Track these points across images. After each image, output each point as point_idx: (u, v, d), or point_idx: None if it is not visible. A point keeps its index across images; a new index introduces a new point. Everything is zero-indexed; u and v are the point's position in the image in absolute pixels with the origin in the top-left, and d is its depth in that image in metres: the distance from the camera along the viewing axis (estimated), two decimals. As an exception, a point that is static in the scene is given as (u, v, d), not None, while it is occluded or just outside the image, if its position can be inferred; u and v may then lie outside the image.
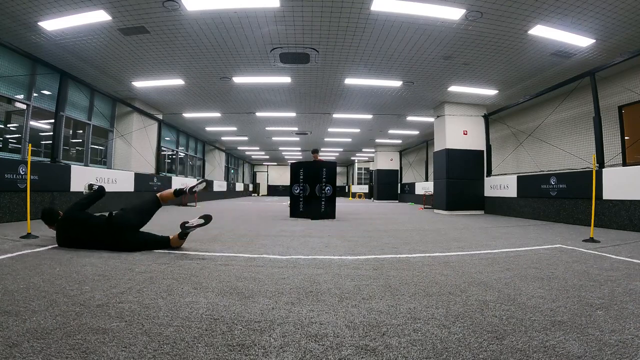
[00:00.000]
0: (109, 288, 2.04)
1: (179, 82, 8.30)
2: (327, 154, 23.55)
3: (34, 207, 5.73)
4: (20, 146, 6.57)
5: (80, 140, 8.72)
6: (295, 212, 7.44)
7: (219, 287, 2.13)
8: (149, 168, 10.87)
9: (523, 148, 9.54)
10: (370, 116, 11.81)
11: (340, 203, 14.39)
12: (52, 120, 6.92)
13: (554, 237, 4.60)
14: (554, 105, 8.32)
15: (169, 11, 5.02)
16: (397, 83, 8.22)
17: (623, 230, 5.31)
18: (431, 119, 11.01)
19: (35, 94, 6.78)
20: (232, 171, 25.14)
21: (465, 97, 9.30)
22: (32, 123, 6.82)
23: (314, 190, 7.35)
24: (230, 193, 21.58)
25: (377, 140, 17.67)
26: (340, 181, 31.87)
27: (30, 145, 4.53)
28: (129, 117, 9.98)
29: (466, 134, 9.82)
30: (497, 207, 9.07)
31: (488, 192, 9.59)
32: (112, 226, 3.14)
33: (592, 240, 4.16)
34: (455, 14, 5.01)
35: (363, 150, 21.57)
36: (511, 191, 8.52)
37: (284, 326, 1.54)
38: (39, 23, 5.24)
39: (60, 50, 6.32)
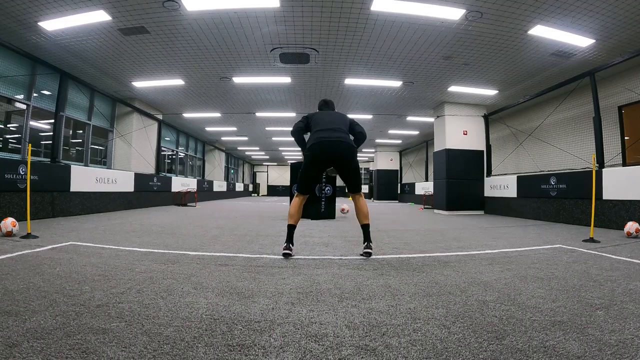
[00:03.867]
0: (109, 288, 2.04)
1: (179, 82, 8.30)
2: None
3: (34, 207, 5.73)
4: (20, 146, 6.57)
5: (80, 141, 8.72)
6: (295, 212, 7.42)
7: (219, 287, 2.13)
8: (149, 168, 10.87)
9: (523, 148, 9.54)
10: (370, 116, 11.81)
11: (340, 203, 14.35)
12: (52, 120, 6.92)
13: (554, 237, 4.60)
14: (554, 105, 8.32)
15: (169, 11, 5.02)
16: (397, 83, 8.22)
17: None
18: (431, 119, 11.01)
19: (35, 94, 6.77)
20: (232, 171, 25.14)
21: (465, 97, 9.30)
22: (32, 123, 6.82)
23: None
24: (230, 193, 21.58)
25: (377, 141, 17.66)
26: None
27: (30, 145, 4.53)
28: (129, 117, 9.98)
29: (466, 134, 9.81)
30: (497, 207, 9.07)
31: (488, 192, 9.58)
32: None
33: (592, 240, 4.16)
34: (455, 14, 5.01)
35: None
36: (511, 191, 8.52)
37: (284, 326, 1.54)
38: (39, 23, 5.24)
39: (60, 50, 6.32)
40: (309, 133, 3.44)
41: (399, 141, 17.54)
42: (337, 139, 3.18)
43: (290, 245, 3.15)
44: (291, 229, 3.20)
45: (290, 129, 3.65)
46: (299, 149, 3.68)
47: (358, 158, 3.49)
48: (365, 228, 3.24)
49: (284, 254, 3.10)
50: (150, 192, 10.38)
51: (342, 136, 3.21)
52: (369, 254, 3.16)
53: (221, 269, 2.62)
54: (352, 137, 3.40)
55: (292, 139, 3.62)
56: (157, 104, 10.55)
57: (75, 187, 6.97)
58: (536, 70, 7.14)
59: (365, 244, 3.20)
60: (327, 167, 3.34)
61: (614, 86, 6.93)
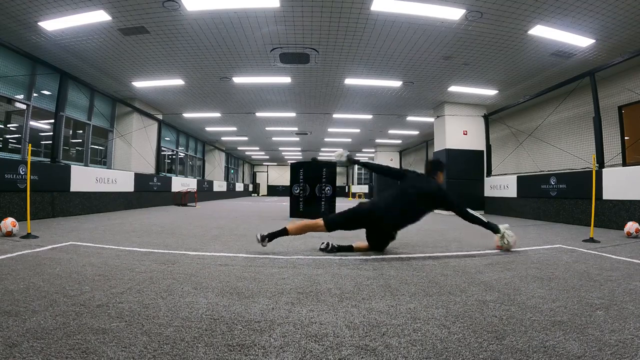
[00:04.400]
0: (109, 288, 2.04)
1: (179, 82, 8.30)
2: (327, 154, 23.56)
3: (34, 207, 5.73)
4: (20, 146, 6.57)
5: (80, 141, 8.72)
6: (295, 213, 7.44)
7: (219, 287, 2.13)
8: (149, 168, 10.87)
9: (523, 148, 9.53)
10: (370, 116, 11.81)
11: (340, 203, 14.34)
12: (52, 120, 6.92)
13: (554, 237, 4.60)
14: (554, 105, 8.32)
15: (169, 11, 5.02)
16: (397, 83, 8.22)
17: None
18: (431, 119, 11.00)
19: (35, 94, 6.77)
20: (232, 171, 25.14)
21: (465, 97, 9.30)
22: (32, 123, 6.82)
23: (314, 190, 7.35)
24: (230, 193, 21.57)
25: (377, 140, 17.66)
26: (340, 181, 31.86)
27: (30, 145, 4.53)
28: (129, 117, 9.98)
29: (466, 134, 9.82)
30: (497, 207, 9.07)
31: (488, 192, 9.58)
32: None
33: (592, 240, 4.16)
34: (455, 14, 5.01)
35: (363, 150, 21.57)
36: (511, 191, 8.52)
37: (284, 326, 1.54)
38: (39, 23, 5.24)
39: (60, 50, 6.32)
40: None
41: (399, 141, 17.53)
42: (393, 217, 3.15)
43: (267, 240, 3.19)
44: (283, 233, 3.22)
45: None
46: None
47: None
48: (350, 249, 3.39)
49: (259, 239, 3.14)
50: (150, 192, 10.38)
51: (396, 217, 3.16)
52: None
53: (221, 269, 2.62)
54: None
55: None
56: (157, 104, 10.55)
57: (75, 187, 6.97)
58: (536, 70, 7.14)
59: (331, 246, 3.34)
60: (370, 224, 3.28)
61: (614, 86, 6.93)
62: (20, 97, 6.52)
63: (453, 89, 8.58)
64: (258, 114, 11.72)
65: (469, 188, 9.61)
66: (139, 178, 9.68)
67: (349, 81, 8.15)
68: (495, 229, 3.30)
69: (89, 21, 5.22)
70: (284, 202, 14.96)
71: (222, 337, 1.40)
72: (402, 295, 2.02)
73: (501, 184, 8.99)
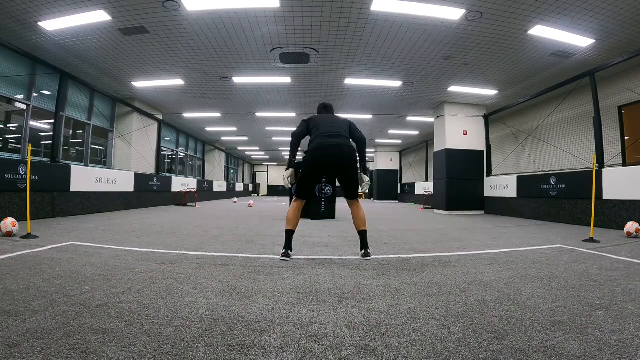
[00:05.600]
0: (109, 288, 2.04)
1: (179, 82, 8.30)
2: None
3: (34, 207, 5.73)
4: (20, 146, 6.57)
5: (80, 141, 8.72)
6: (295, 212, 7.42)
7: (219, 287, 2.13)
8: (149, 168, 10.87)
9: (523, 148, 9.54)
10: (370, 116, 11.81)
11: (340, 203, 14.36)
12: (52, 120, 6.92)
13: (554, 237, 4.60)
14: (554, 105, 8.32)
15: (169, 11, 5.02)
16: (397, 83, 8.22)
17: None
18: (431, 119, 11.01)
19: (35, 94, 6.77)
20: (232, 171, 25.14)
21: (465, 97, 9.30)
22: (32, 123, 6.82)
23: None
24: (230, 193, 21.57)
25: (377, 141, 17.67)
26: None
27: (30, 145, 4.53)
28: (129, 117, 9.98)
29: (466, 134, 9.81)
30: (497, 207, 9.07)
31: (488, 192, 9.58)
32: None
33: (592, 240, 4.16)
34: (455, 14, 5.00)
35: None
36: (511, 191, 8.52)
37: (284, 326, 1.54)
38: (39, 23, 5.24)
39: (60, 50, 6.32)
40: (307, 137, 3.36)
41: (399, 141, 17.53)
42: (338, 143, 3.10)
43: (289, 251, 3.05)
44: (290, 234, 3.08)
45: (292, 129, 3.57)
46: (299, 148, 3.60)
47: (357, 158, 3.43)
48: (363, 234, 3.14)
49: (282, 260, 2.97)
50: (150, 192, 10.38)
51: (342, 141, 3.13)
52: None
53: (221, 269, 2.62)
54: (353, 143, 3.27)
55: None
56: (157, 104, 10.55)
57: (75, 187, 6.97)
58: (536, 70, 7.14)
59: (363, 251, 3.11)
60: (326, 173, 3.29)
61: (614, 86, 6.92)
62: (20, 97, 6.51)
63: (453, 89, 8.58)
64: (258, 114, 11.72)
65: (469, 188, 9.61)
66: (139, 178, 9.68)
67: (349, 81, 8.15)
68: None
69: (88, 21, 5.22)
70: (284, 202, 14.97)
71: (222, 337, 1.40)
72: (402, 295, 2.02)
73: (501, 184, 8.99)
